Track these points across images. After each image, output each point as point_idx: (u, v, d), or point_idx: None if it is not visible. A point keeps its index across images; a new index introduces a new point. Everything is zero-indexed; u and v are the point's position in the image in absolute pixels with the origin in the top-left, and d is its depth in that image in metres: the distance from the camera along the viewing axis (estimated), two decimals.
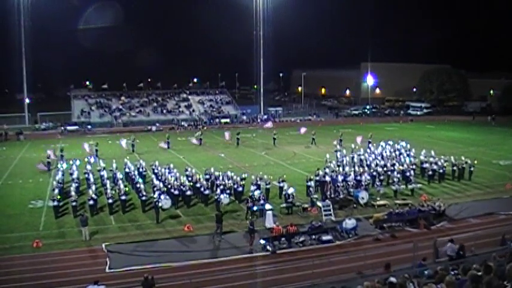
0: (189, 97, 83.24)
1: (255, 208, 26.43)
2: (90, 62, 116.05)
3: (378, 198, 29.38)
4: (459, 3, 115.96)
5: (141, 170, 34.78)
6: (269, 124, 55.23)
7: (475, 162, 35.50)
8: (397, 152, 39.23)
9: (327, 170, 32.21)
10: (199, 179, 30.62)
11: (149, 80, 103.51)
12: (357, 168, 33.61)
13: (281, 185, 29.24)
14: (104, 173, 33.24)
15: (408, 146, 41.25)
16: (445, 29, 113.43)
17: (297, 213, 27.33)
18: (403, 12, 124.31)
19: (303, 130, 54.42)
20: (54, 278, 19.22)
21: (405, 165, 33.88)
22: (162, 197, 26.84)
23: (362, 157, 37.81)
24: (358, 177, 30.79)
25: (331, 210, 26.52)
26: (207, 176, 31.67)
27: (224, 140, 52.39)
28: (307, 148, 49.08)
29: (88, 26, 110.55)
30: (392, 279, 11.51)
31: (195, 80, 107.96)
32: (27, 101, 73.23)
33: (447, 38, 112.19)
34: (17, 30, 69.50)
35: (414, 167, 34.61)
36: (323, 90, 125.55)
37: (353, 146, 41.60)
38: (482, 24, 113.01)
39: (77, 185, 30.70)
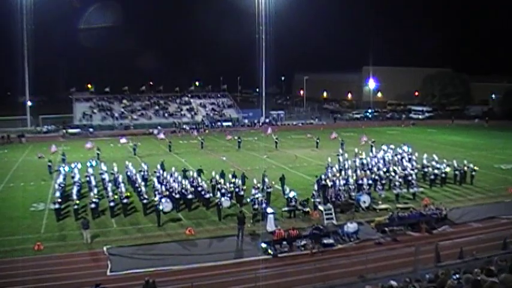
0: (191, 100, 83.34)
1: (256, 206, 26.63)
2: (92, 65, 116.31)
3: (380, 202, 29.36)
4: (461, 6, 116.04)
5: (143, 173, 34.78)
6: (269, 130, 54.68)
7: (475, 168, 35.38)
8: (399, 156, 39.20)
9: (329, 174, 32.26)
10: (201, 182, 30.72)
11: (151, 83, 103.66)
12: (358, 172, 33.61)
13: (287, 192, 29.07)
14: (106, 176, 33.28)
15: (410, 150, 41.22)
16: (447, 32, 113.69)
17: (298, 216, 27.41)
18: (404, 16, 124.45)
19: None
20: (55, 281, 19.24)
21: (407, 170, 33.86)
22: (163, 200, 26.88)
23: (364, 161, 37.81)
24: (360, 181, 30.80)
25: (333, 214, 26.52)
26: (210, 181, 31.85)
27: (226, 139, 52.33)
28: (313, 151, 49.15)
29: (90, 29, 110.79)
30: (394, 283, 11.52)
31: (197, 83, 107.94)
32: (29, 103, 73.30)
33: (449, 41, 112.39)
34: (20, 33, 69.61)
35: (416, 171, 34.58)
36: (325, 94, 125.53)
37: (356, 150, 41.55)
38: (484, 28, 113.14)
39: (78, 188, 30.78)
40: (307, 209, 27.75)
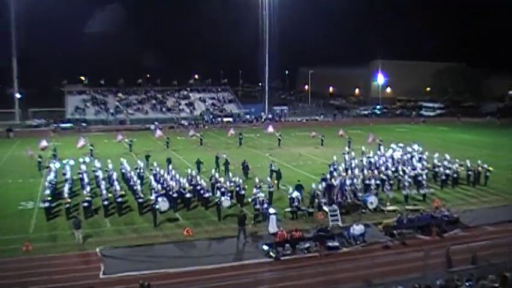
0: (190, 94, 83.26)
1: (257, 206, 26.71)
2: (86, 56, 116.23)
3: (388, 203, 29.30)
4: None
5: (139, 170, 34.73)
6: (270, 128, 54.46)
7: (490, 168, 35.17)
8: (409, 155, 39.07)
9: (334, 173, 32.18)
10: (200, 181, 30.70)
11: (148, 76, 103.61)
12: (366, 171, 33.52)
13: (290, 191, 29.01)
14: (99, 173, 33.21)
15: (421, 149, 41.10)
16: (457, 25, 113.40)
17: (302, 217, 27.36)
18: (414, 8, 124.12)
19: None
20: (45, 284, 19.18)
21: (417, 169, 33.75)
22: (160, 199, 26.81)
23: (372, 160, 37.69)
24: (367, 181, 30.72)
25: (338, 215, 26.46)
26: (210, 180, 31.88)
27: (227, 136, 52.57)
28: (318, 149, 49.47)
29: (84, 18, 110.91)
30: None
31: (196, 76, 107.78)
32: (18, 96, 73.24)
33: (460, 34, 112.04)
34: (8, 22, 69.55)
35: (426, 171, 34.46)
36: (331, 89, 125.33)
37: (363, 148, 41.44)
38: (497, 21, 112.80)
39: (70, 185, 30.71)
40: (312, 210, 27.75)
